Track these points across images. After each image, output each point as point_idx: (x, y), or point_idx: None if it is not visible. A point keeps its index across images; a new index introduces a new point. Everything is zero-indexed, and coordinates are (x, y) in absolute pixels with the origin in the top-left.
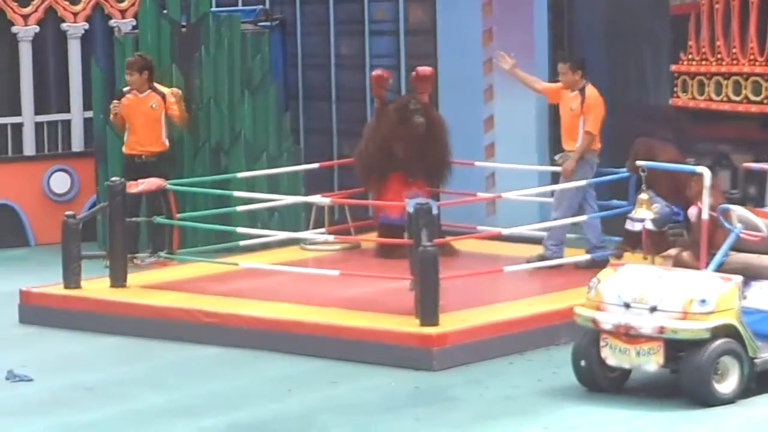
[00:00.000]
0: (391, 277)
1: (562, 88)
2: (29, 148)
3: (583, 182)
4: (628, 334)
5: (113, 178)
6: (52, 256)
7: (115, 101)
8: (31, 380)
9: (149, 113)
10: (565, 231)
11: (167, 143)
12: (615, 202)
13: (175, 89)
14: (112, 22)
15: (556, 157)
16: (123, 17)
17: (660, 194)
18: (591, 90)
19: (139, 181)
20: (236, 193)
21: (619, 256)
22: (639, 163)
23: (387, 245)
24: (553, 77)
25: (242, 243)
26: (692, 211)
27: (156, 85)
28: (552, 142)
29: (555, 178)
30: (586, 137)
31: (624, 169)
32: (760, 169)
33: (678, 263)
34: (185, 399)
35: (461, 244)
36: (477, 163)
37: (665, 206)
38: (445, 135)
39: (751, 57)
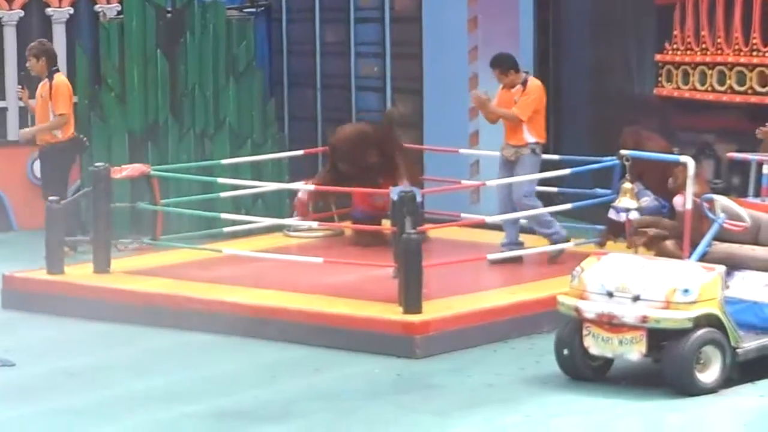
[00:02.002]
0: (375, 264)
1: (502, 87)
2: (13, 133)
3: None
4: (610, 323)
5: (97, 164)
6: (36, 241)
7: (18, 86)
8: (13, 365)
9: (39, 101)
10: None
11: (58, 134)
12: (599, 190)
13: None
14: (97, 8)
15: (503, 152)
16: (108, 2)
17: (648, 185)
18: (533, 81)
19: (123, 166)
20: (220, 180)
21: (602, 245)
22: (623, 152)
23: (364, 233)
24: (539, 64)
25: (226, 229)
26: (678, 200)
27: (57, 75)
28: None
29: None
30: (508, 112)
31: (608, 158)
32: (744, 159)
33: (661, 252)
34: (168, 385)
35: (444, 232)
36: (461, 151)
37: (653, 199)
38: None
39: (736, 47)
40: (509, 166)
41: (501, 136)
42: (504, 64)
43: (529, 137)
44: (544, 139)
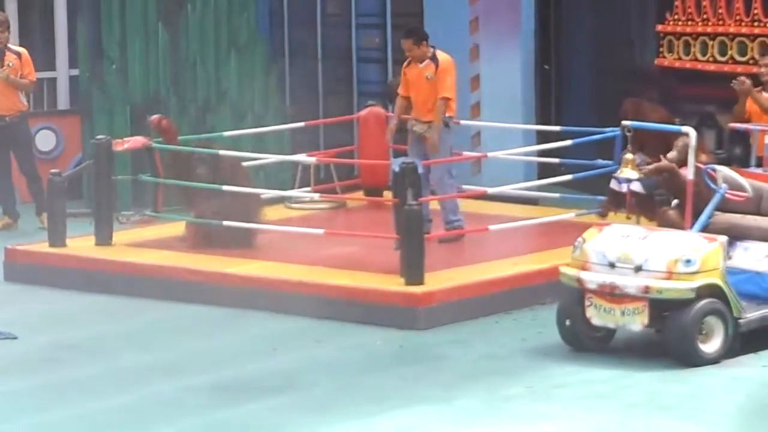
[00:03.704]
0: (377, 236)
1: (407, 64)
2: None
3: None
4: (612, 294)
5: (99, 136)
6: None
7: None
8: (16, 338)
9: (9, 71)
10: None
11: (25, 102)
12: (600, 161)
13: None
14: None
15: (414, 128)
16: None
17: (650, 156)
18: (442, 55)
19: (125, 139)
20: (222, 152)
21: (603, 216)
22: (624, 123)
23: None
24: (540, 35)
25: None
26: (683, 172)
27: (13, 46)
28: (538, 101)
29: (541, 137)
30: (441, 103)
31: (610, 129)
32: (746, 130)
33: (664, 222)
34: (170, 357)
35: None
36: (462, 122)
37: None
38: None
39: (737, 17)
40: (421, 143)
41: (502, 107)
42: (418, 36)
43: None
44: (455, 113)
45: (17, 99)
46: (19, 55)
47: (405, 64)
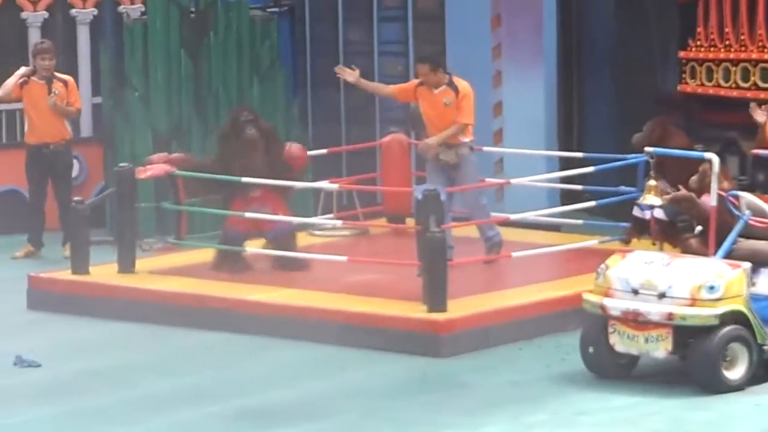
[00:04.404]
0: (400, 263)
1: (420, 85)
2: None
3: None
4: (636, 321)
5: (121, 164)
6: (61, 242)
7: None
8: (39, 366)
9: (56, 99)
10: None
11: (70, 130)
12: (623, 188)
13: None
14: (121, 8)
15: (440, 156)
16: (132, 3)
17: (671, 182)
18: (461, 81)
19: (147, 167)
20: (244, 179)
21: (626, 242)
22: (647, 150)
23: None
24: (563, 61)
25: None
26: (705, 199)
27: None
28: (560, 127)
29: (564, 163)
30: (458, 127)
31: (632, 156)
32: None
33: (687, 249)
34: (193, 385)
35: (469, 230)
36: (485, 149)
37: None
38: (278, 145)
39: (760, 43)
40: (446, 170)
41: (525, 133)
42: (436, 61)
43: (463, 137)
44: (472, 137)
45: (63, 126)
46: (65, 83)
47: (417, 83)
